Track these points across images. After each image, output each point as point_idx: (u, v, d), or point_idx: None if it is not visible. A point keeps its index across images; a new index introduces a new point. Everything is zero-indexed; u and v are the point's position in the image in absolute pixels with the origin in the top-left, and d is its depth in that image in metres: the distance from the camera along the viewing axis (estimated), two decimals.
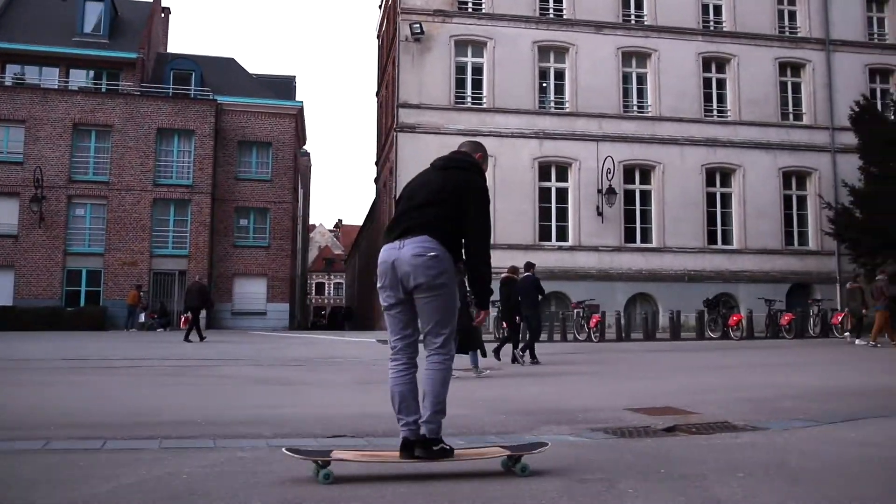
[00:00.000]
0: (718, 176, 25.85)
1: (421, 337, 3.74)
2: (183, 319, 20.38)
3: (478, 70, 24.89)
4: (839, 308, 24.94)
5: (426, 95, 24.17)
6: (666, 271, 24.67)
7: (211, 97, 28.53)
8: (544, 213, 24.86)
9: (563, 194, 24.86)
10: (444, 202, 3.69)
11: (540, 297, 12.50)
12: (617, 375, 10.37)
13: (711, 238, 25.46)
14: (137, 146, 26.88)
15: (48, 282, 25.88)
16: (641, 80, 25.79)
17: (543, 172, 24.77)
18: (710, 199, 25.65)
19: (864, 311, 17.51)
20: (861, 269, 22.56)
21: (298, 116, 30.33)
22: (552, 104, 25.27)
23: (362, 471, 3.70)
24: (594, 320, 18.70)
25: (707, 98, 26.07)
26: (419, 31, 24.03)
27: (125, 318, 25.33)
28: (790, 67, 26.74)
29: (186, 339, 17.23)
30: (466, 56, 24.88)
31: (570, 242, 24.48)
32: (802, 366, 11.61)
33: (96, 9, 28.84)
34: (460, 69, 24.85)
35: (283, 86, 32.19)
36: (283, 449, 3.64)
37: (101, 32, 28.80)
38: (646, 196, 25.25)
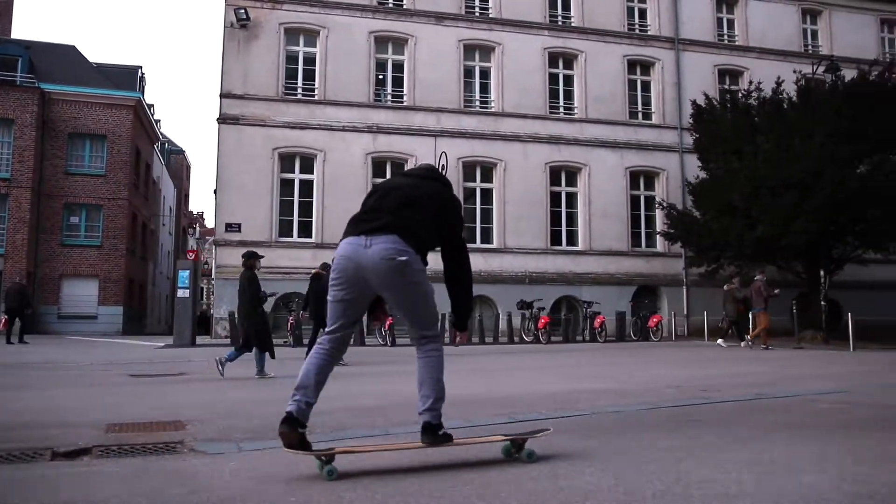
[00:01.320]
0: (564, 175, 25.14)
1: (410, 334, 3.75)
2: (2, 322, 19.25)
3: (310, 60, 23.66)
4: (662, 311, 24.72)
5: (252, 85, 22.81)
6: (507, 273, 23.78)
7: (34, 84, 26.58)
8: None
9: None
10: (423, 207, 3.62)
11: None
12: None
13: (555, 239, 24.71)
14: None
15: None
16: (485, 74, 24.96)
17: (378, 169, 23.62)
18: (555, 198, 24.92)
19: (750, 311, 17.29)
20: (706, 267, 22.14)
21: (138, 108, 28.54)
22: (389, 97, 24.20)
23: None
24: (388, 322, 17.62)
25: (553, 95, 25.37)
26: (245, 17, 22.68)
27: None
28: (639, 65, 26.27)
29: (8, 341, 17.81)
30: (298, 45, 23.61)
31: None
32: (528, 370, 10.68)
33: None
34: (291, 59, 23.57)
35: (126, 76, 30.35)
36: (283, 448, 3.46)
37: None
38: (487, 194, 24.38)
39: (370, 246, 3.45)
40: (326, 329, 3.67)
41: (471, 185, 24.19)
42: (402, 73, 24.19)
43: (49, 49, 29.30)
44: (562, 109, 25.40)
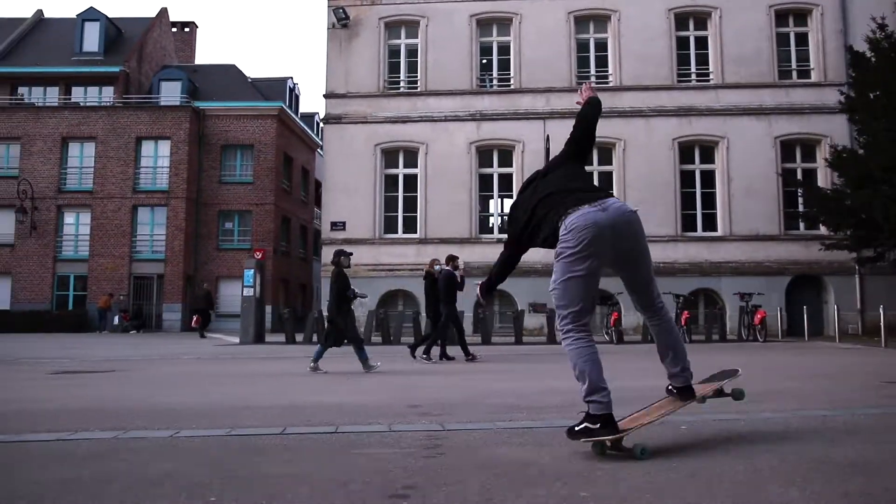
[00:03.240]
0: (697, 151, 22.03)
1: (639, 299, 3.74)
2: (195, 319, 23.25)
3: (413, 52, 23.13)
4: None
5: (353, 83, 22.80)
6: None
7: (187, 103, 29.02)
8: (485, 203, 22.71)
9: (507, 181, 22.40)
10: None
11: (458, 292, 12.04)
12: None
13: (689, 224, 21.74)
14: (118, 155, 27.94)
15: (40, 287, 27.55)
16: (601, 47, 22.65)
17: (484, 158, 22.48)
18: (687, 178, 21.93)
19: None
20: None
21: (283, 116, 29.93)
22: (495, 82, 22.88)
23: None
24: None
25: (682, 61, 22.35)
26: (344, 16, 22.74)
27: (97, 321, 26.43)
28: (791, 15, 22.25)
29: (201, 335, 21.65)
30: (399, 38, 23.20)
31: None
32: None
33: (94, 28, 30.42)
34: (394, 52, 23.24)
35: (278, 88, 32.04)
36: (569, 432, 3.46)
37: (96, 50, 30.36)
38: (605, 178, 22.09)
39: (606, 208, 3.45)
40: (576, 317, 3.47)
41: (587, 169, 22.04)
42: (508, 54, 22.78)
43: (210, 70, 31.92)
44: (693, 76, 22.30)
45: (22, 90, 30.24)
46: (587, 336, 3.44)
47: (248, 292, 17.13)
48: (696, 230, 21.76)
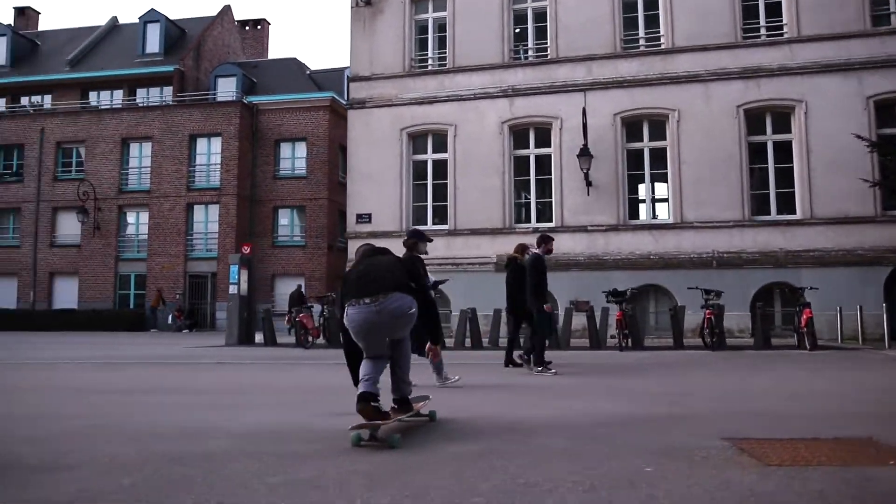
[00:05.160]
0: (769, 118, 18.57)
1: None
2: (287, 319, 22.06)
3: (441, 27, 21.16)
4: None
5: (378, 64, 21.14)
6: (685, 255, 18.34)
7: (237, 99, 28.51)
8: (524, 188, 20.40)
9: (545, 162, 19.97)
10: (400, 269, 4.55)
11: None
12: None
13: (760, 206, 18.38)
14: (173, 154, 27.90)
15: (104, 286, 28.01)
16: (651, 5, 19.65)
17: (519, 139, 20.15)
18: (758, 152, 18.56)
19: None
20: None
21: (335, 106, 28.70)
22: (530, 53, 20.45)
23: None
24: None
25: (750, 14, 18.94)
26: None
27: (151, 320, 26.51)
28: None
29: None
30: (427, 12, 21.28)
31: (552, 223, 19.48)
32: None
33: (155, 29, 30.64)
34: (422, 28, 21.37)
35: (334, 78, 30.84)
36: (349, 428, 4.03)
37: (157, 51, 30.54)
38: (658, 155, 19.14)
39: (381, 310, 4.23)
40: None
41: (636, 145, 19.25)
42: (544, 21, 20.27)
43: (271, 65, 31.41)
44: (763, 31, 18.83)
45: (91, 95, 31.02)
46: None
47: (233, 290, 15.86)
48: (768, 213, 18.35)
